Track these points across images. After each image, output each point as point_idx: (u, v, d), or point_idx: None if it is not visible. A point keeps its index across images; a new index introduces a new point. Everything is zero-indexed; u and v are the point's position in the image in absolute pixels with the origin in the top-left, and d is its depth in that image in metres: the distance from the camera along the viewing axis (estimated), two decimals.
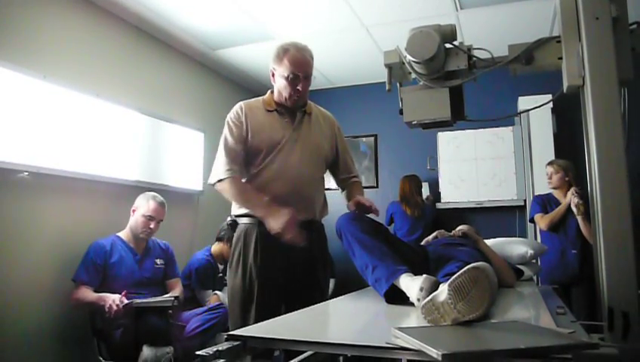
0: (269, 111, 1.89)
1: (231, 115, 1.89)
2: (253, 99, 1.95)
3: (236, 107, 1.91)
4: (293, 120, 1.90)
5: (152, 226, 2.74)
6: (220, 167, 1.83)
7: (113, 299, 2.41)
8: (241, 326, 1.20)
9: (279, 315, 1.33)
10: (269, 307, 1.70)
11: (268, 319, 1.24)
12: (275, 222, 1.70)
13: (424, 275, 1.28)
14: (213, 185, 1.87)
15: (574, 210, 3.04)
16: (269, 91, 1.97)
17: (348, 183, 2.04)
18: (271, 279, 1.78)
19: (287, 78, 1.81)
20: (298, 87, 1.83)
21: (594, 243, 1.09)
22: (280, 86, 1.86)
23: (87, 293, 2.49)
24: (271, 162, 1.82)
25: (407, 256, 1.55)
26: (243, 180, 1.87)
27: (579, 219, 3.03)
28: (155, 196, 2.81)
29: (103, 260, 2.57)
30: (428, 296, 1.21)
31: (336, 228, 1.67)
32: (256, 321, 1.45)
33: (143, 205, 2.75)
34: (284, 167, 1.82)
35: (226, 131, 1.87)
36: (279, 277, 1.80)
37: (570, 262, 3.09)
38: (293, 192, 1.81)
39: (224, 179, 1.80)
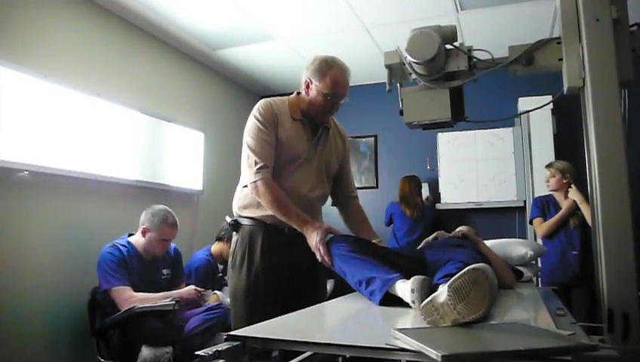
0: (294, 119, 1.84)
1: (260, 110, 1.81)
2: (277, 99, 1.88)
3: (266, 102, 1.84)
4: (314, 134, 1.88)
5: (166, 246, 2.72)
6: (251, 168, 1.75)
7: (187, 291, 2.67)
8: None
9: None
10: (275, 307, 1.67)
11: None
12: (310, 240, 1.65)
13: (413, 276, 1.28)
14: (244, 186, 1.81)
15: (581, 206, 3.05)
16: (294, 93, 1.91)
17: (350, 205, 2.04)
18: (277, 280, 1.78)
19: (325, 96, 1.79)
20: (333, 106, 1.82)
21: (594, 244, 1.09)
22: (315, 100, 1.82)
23: (141, 294, 2.48)
24: (287, 176, 1.79)
25: (401, 265, 1.54)
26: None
27: (582, 206, 3.04)
28: (165, 218, 2.66)
29: (123, 261, 2.54)
30: (420, 295, 1.21)
31: None
32: (263, 321, 1.45)
33: (155, 229, 2.62)
34: (296, 185, 1.80)
35: (254, 123, 1.79)
36: (284, 277, 1.79)
37: (570, 264, 3.09)
38: (301, 207, 1.76)
39: (257, 181, 1.72)
